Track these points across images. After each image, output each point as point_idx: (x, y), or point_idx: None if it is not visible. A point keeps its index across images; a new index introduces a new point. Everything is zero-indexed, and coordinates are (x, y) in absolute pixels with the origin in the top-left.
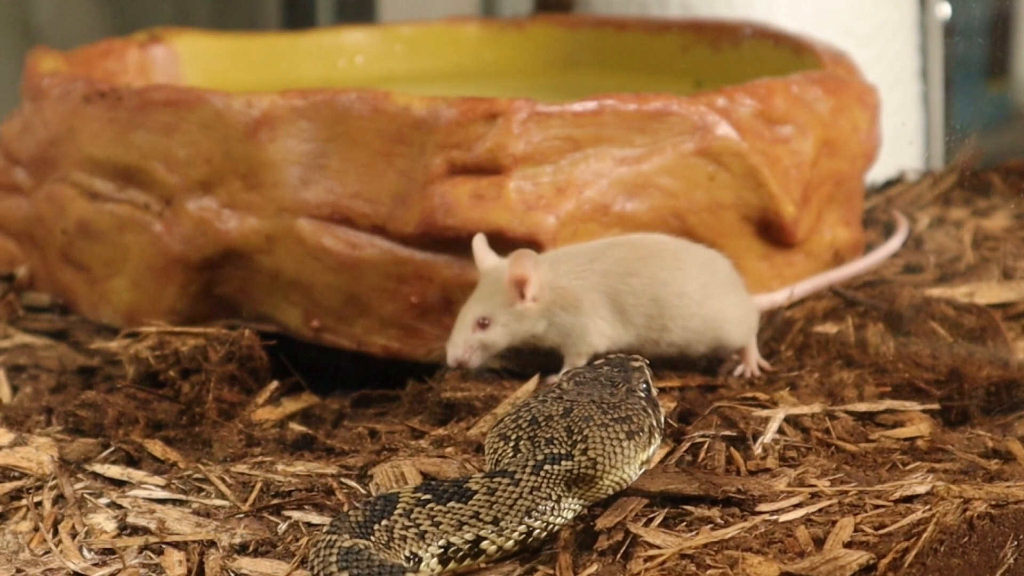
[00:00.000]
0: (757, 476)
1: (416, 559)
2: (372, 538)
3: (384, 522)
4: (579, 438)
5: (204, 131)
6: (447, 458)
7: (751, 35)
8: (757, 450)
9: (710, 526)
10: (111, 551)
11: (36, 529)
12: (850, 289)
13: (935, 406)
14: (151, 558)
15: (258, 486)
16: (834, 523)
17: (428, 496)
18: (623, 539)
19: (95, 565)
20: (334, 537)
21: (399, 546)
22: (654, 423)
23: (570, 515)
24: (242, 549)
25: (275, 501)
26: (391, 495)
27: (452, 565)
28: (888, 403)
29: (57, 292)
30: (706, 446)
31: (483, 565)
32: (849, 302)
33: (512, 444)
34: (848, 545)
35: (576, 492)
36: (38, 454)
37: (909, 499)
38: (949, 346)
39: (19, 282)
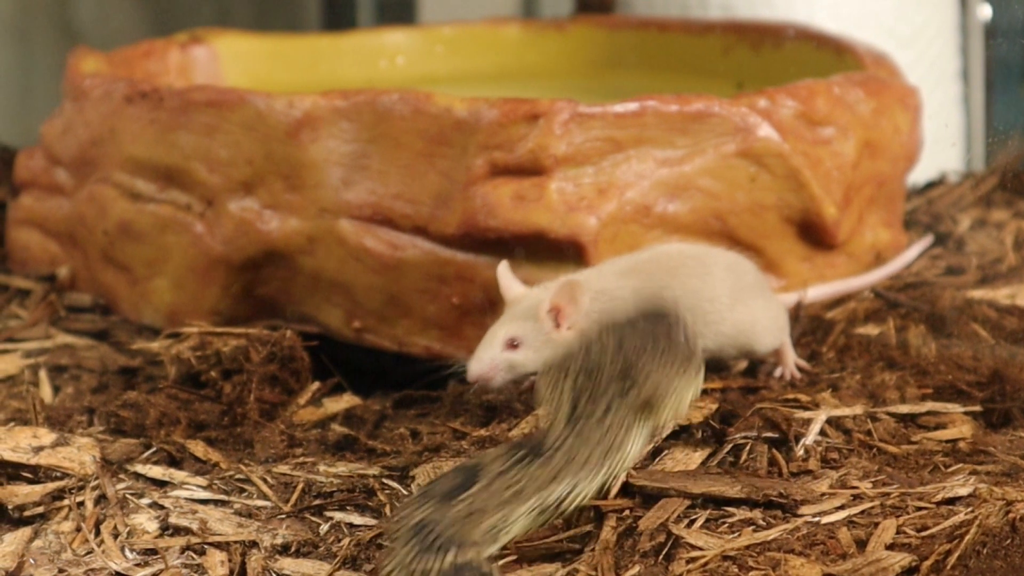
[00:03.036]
0: (799, 478)
1: (502, 526)
2: (457, 508)
3: (469, 491)
4: (641, 378)
5: (246, 132)
6: None
7: (793, 36)
8: (799, 452)
9: (752, 528)
10: (153, 551)
11: (78, 529)
12: (891, 291)
13: (977, 408)
14: (193, 558)
15: (300, 487)
16: (876, 525)
17: (510, 461)
18: (665, 540)
19: (137, 565)
20: (414, 509)
21: (483, 516)
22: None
23: (639, 447)
24: (284, 550)
25: (317, 502)
26: (473, 464)
27: (542, 517)
28: (930, 405)
29: (98, 293)
30: (748, 448)
31: (563, 516)
32: (891, 304)
33: (569, 393)
34: (890, 547)
35: (640, 426)
36: (80, 454)
37: (951, 501)
38: (991, 348)
39: (60, 283)
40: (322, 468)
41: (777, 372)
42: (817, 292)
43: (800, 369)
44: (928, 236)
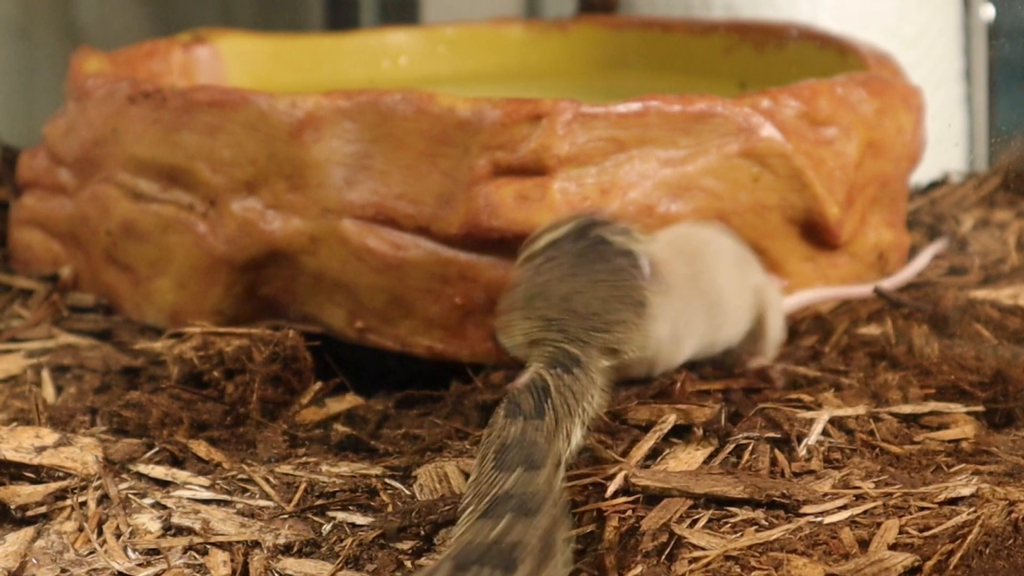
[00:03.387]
0: (801, 478)
1: (571, 434)
2: (546, 418)
3: (548, 401)
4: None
5: (248, 132)
6: None
7: (796, 37)
8: (802, 452)
9: (755, 528)
10: (156, 551)
11: (81, 529)
12: (894, 291)
13: (980, 408)
14: (195, 558)
15: (302, 487)
16: (879, 525)
17: (556, 370)
18: (668, 540)
19: (139, 565)
20: (510, 420)
21: (562, 425)
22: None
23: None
24: (286, 550)
25: (319, 502)
26: (536, 378)
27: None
28: (933, 405)
29: (101, 293)
30: (750, 448)
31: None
32: (894, 304)
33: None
34: (893, 547)
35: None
36: (83, 454)
37: (954, 501)
38: (994, 348)
39: (63, 283)
40: (324, 468)
41: (754, 363)
42: (805, 296)
43: (782, 372)
44: (941, 240)
